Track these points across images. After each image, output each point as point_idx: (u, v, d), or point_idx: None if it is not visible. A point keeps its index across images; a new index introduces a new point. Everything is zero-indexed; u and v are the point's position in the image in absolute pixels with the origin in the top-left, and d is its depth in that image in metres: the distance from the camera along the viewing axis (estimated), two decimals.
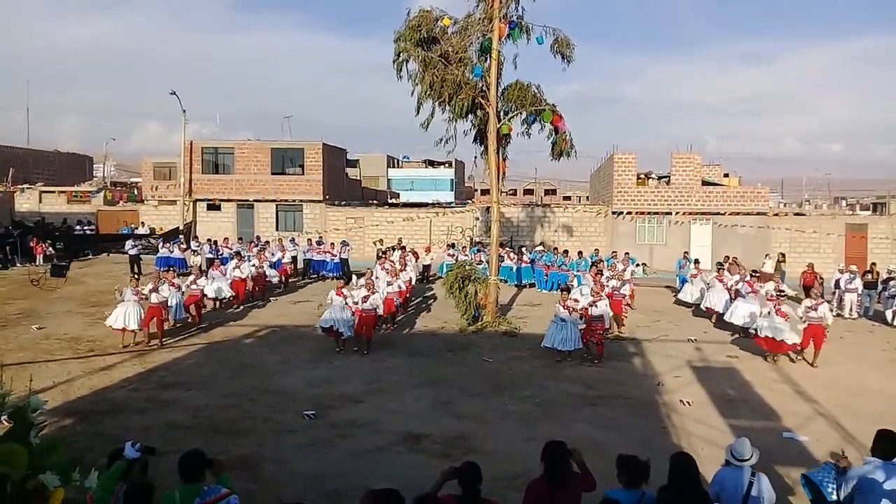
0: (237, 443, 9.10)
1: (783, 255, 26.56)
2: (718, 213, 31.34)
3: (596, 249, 26.98)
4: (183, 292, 16.81)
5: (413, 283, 20.85)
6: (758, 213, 31.35)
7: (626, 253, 25.46)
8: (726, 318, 16.93)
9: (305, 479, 8.02)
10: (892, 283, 19.70)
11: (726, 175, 48.31)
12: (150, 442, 6.01)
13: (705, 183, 33.88)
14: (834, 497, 5.46)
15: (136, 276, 16.01)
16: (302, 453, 8.82)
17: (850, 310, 19.90)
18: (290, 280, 24.67)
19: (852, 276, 20.30)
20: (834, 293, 20.75)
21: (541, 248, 27.43)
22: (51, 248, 29.05)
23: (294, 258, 26.91)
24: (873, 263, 23.14)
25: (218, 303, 19.31)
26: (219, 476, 4.91)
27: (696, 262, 22.53)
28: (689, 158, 32.30)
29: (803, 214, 35.31)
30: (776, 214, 32.84)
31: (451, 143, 18.69)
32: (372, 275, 16.47)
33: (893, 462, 5.28)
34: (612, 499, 4.73)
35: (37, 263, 27.38)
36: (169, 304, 15.68)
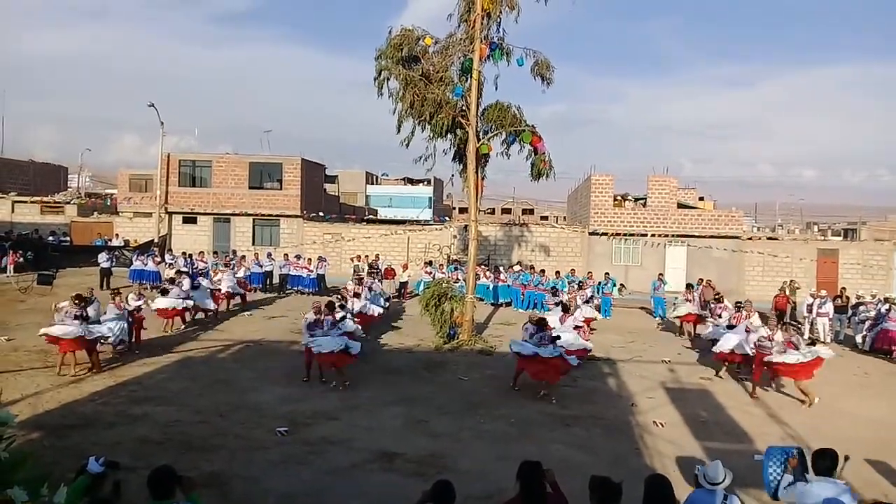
0: (208, 459, 8.97)
1: (794, 281, 25.96)
2: (693, 236, 31.71)
3: (572, 269, 27.11)
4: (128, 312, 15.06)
5: (378, 313, 18.71)
6: (731, 237, 31.76)
7: (606, 273, 25.64)
8: (716, 348, 15.19)
9: (277, 497, 7.93)
10: (861, 308, 20.01)
11: (701, 198, 48.96)
12: (119, 457, 5.93)
13: (681, 206, 34.31)
14: (772, 484, 6.03)
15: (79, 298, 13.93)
16: (274, 471, 8.72)
17: (824, 335, 20.04)
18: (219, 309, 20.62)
19: (823, 300, 20.58)
20: (805, 317, 21.02)
21: (518, 267, 27.53)
22: (22, 259, 28.62)
23: (269, 273, 26.87)
24: (843, 288, 23.50)
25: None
26: (189, 493, 4.84)
27: (690, 287, 22.38)
28: (665, 181, 32.72)
29: (776, 239, 35.85)
30: (749, 238, 33.30)
31: (431, 161, 18.84)
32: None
33: (831, 479, 5.60)
34: None
35: (7, 274, 26.93)
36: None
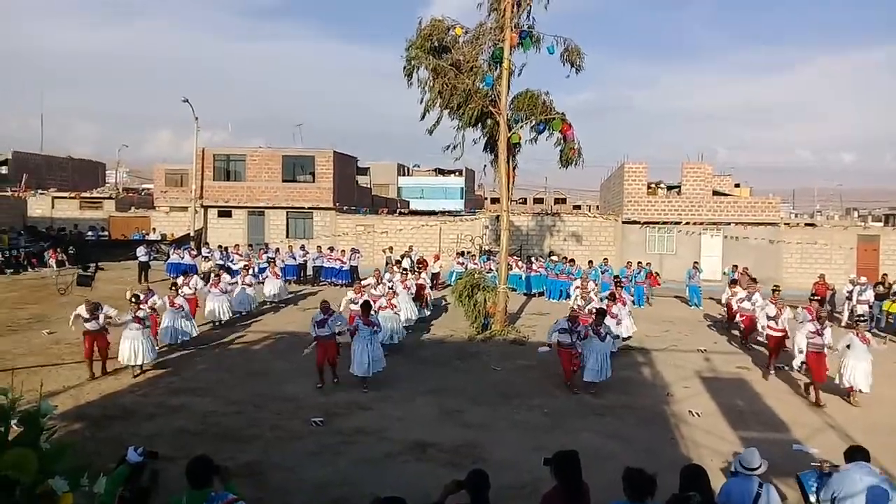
0: (244, 449, 9.11)
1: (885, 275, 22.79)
2: (729, 224, 31.21)
3: (605, 259, 26.87)
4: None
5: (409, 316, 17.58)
6: (769, 224, 31.18)
7: (639, 262, 25.36)
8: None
9: (312, 487, 8.02)
10: None
11: (737, 185, 48.15)
12: (158, 448, 6.04)
13: (716, 193, 33.77)
14: (813, 499, 5.88)
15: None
16: (309, 460, 8.82)
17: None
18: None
19: (863, 287, 20.14)
20: (845, 304, 20.61)
21: (554, 257, 27.24)
22: (63, 255, 29.28)
23: (303, 265, 27.18)
24: (885, 274, 22.91)
25: (216, 324, 17.78)
26: (226, 483, 4.92)
27: (734, 282, 20.22)
28: (699, 168, 32.21)
29: (815, 225, 35.07)
30: (787, 225, 32.66)
31: (459, 150, 18.76)
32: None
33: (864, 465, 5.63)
34: None
35: (50, 269, 27.55)
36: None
